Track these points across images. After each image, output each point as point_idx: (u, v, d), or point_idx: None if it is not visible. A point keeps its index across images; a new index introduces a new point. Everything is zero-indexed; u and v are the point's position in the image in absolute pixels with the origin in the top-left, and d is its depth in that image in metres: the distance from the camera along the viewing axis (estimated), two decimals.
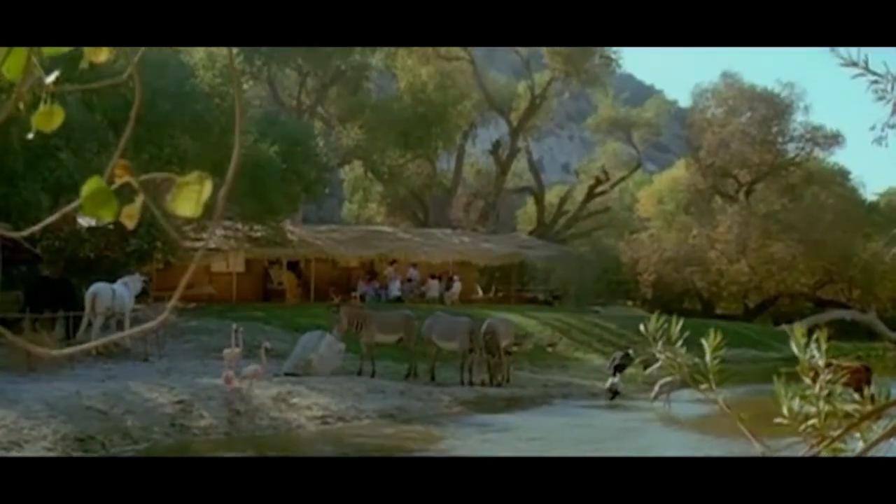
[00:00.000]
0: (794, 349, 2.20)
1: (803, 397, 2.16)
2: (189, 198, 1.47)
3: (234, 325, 19.40)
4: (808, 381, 2.17)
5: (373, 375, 22.11)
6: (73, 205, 1.56)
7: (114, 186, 1.47)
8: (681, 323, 2.42)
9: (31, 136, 1.64)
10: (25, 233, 1.77)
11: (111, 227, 25.55)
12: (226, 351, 18.56)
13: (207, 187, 1.48)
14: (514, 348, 24.67)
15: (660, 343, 2.38)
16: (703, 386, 2.40)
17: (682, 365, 2.33)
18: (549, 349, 28.65)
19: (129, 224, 1.49)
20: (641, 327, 2.44)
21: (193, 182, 1.46)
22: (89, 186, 1.46)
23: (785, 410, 2.17)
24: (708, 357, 2.41)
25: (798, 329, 2.20)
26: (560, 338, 29.72)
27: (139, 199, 1.47)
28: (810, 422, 2.15)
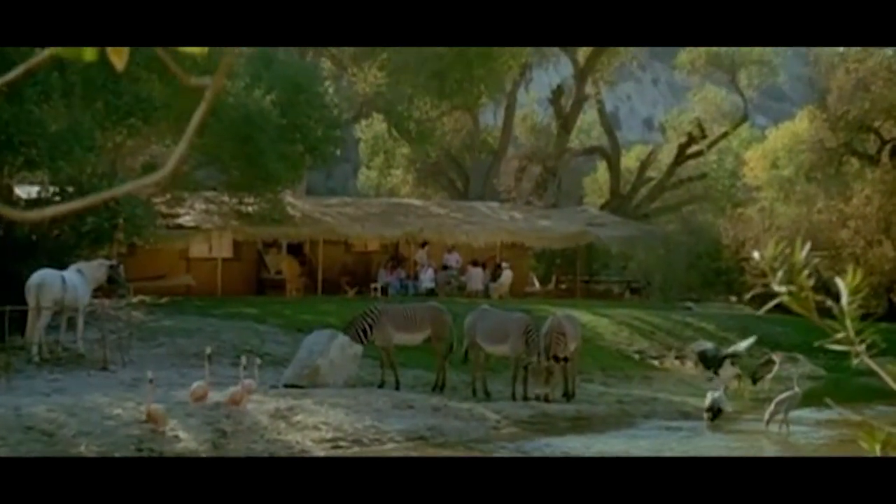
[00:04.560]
0: None
1: None
2: None
3: (243, 359, 19.16)
4: None
5: (397, 387, 22.21)
6: (42, 55, 1.53)
7: None
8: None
9: None
10: None
11: (58, 198, 25.76)
12: (246, 383, 18.34)
13: None
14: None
15: (780, 274, 2.33)
16: (840, 334, 2.35)
17: (810, 300, 2.27)
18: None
19: (118, 64, 1.45)
20: (755, 255, 2.39)
21: None
22: None
23: None
24: (844, 300, 2.36)
25: None
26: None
27: None
28: None
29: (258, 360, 19.58)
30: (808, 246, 2.34)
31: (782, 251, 2.36)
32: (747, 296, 37.33)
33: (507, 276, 37.77)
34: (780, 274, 2.33)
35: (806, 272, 2.30)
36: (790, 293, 2.30)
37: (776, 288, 2.32)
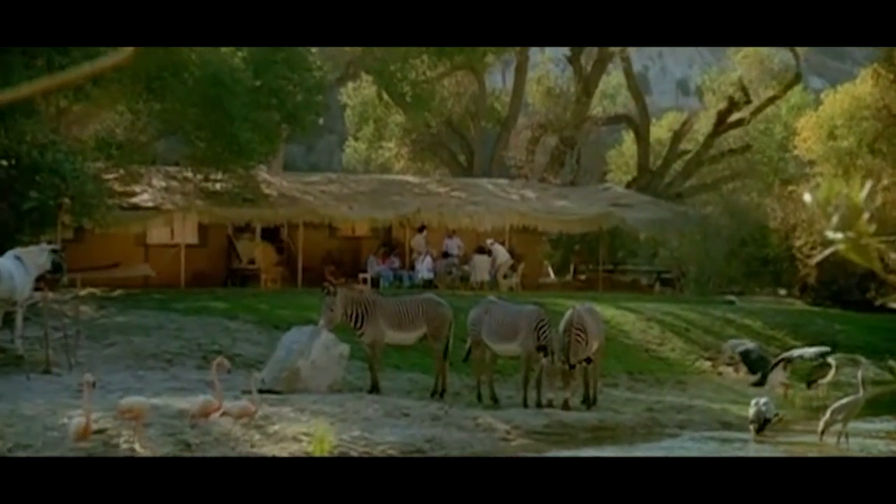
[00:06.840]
0: None
1: None
2: None
3: (219, 360, 18.87)
4: None
5: (376, 390, 22.31)
6: None
7: None
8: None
9: None
10: None
11: None
12: (241, 404, 18.11)
13: None
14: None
15: (835, 219, 2.28)
16: None
17: (871, 248, 2.22)
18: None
19: None
20: (807, 196, 2.34)
21: None
22: None
23: None
24: None
25: None
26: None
27: None
28: None
29: (258, 375, 18.93)
30: (868, 184, 2.29)
31: (838, 192, 2.30)
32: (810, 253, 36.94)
33: (498, 251, 37.45)
34: (835, 219, 2.27)
35: (866, 215, 2.25)
36: (848, 240, 2.24)
37: (831, 235, 2.26)
